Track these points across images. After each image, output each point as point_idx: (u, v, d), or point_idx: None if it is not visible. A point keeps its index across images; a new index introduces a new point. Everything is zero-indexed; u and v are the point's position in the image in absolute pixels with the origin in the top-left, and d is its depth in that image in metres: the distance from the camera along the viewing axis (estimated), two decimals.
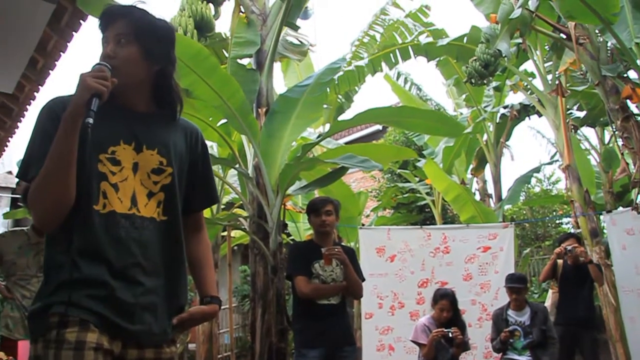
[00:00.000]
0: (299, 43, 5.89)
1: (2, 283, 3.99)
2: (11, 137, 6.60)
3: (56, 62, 4.83)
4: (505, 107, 8.65)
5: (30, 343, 1.53)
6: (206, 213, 7.23)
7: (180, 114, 1.74)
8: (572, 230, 7.64)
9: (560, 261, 5.46)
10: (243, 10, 5.45)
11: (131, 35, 1.59)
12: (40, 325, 1.48)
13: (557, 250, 5.37)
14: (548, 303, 5.72)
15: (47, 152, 1.45)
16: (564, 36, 5.87)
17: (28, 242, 3.84)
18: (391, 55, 7.84)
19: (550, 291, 6.01)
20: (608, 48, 5.92)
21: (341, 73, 7.90)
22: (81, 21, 4.39)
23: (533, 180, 11.92)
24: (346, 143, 11.16)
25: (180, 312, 1.70)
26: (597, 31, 5.78)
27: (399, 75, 10.18)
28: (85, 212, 1.51)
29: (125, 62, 1.57)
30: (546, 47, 7.00)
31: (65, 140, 1.43)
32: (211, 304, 1.77)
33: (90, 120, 1.42)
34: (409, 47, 7.66)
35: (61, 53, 4.69)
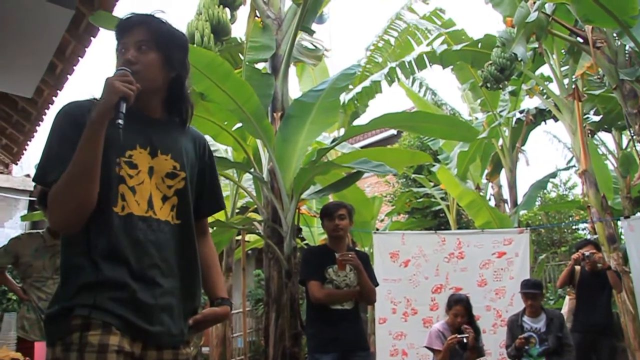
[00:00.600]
0: (314, 47, 5.91)
1: (18, 285, 4.03)
2: (30, 140, 6.69)
3: (74, 67, 4.88)
4: (521, 112, 8.60)
5: (48, 346, 1.53)
6: (221, 217, 7.27)
7: (190, 122, 1.77)
8: (589, 236, 7.58)
9: (577, 267, 5.40)
10: (259, 14, 5.48)
11: (152, 42, 1.62)
12: (60, 328, 1.48)
13: (575, 256, 5.31)
14: (565, 309, 5.66)
15: (67, 155, 1.47)
16: (581, 40, 5.83)
17: (44, 245, 3.86)
18: (406, 64, 7.83)
19: (567, 297, 5.95)
20: (626, 51, 5.86)
21: (359, 89, 7.93)
22: (99, 27, 4.45)
23: (549, 186, 11.82)
24: (361, 147, 11.16)
25: (195, 314, 1.72)
26: (614, 34, 5.73)
27: (414, 80, 10.15)
28: (105, 214, 1.52)
29: (146, 67, 1.61)
30: (563, 51, 6.95)
31: (93, 142, 1.46)
32: (222, 305, 1.80)
33: (121, 122, 1.46)
34: (424, 56, 7.64)
35: (79, 58, 4.75)
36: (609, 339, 5.24)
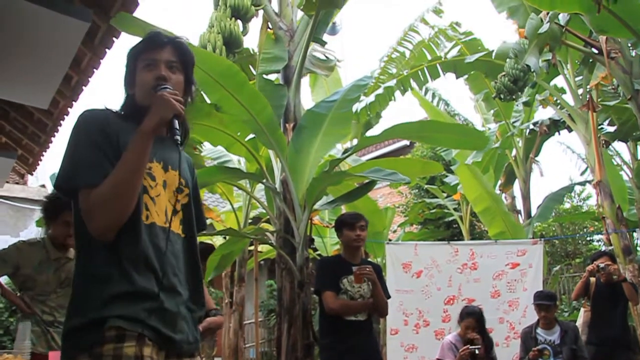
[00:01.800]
0: (326, 58, 5.93)
1: (19, 300, 3.86)
2: (45, 151, 6.76)
3: (89, 79, 4.94)
4: (534, 123, 8.55)
5: (68, 358, 1.52)
6: (233, 226, 7.30)
7: (185, 144, 1.81)
8: (604, 248, 7.48)
9: (592, 279, 5.34)
10: (271, 26, 5.52)
11: (180, 64, 1.73)
12: (86, 339, 1.47)
13: (590, 267, 5.24)
14: (580, 322, 5.58)
15: (99, 161, 1.53)
16: (596, 50, 5.80)
17: (47, 258, 3.71)
18: (420, 73, 7.82)
19: (582, 310, 5.87)
20: None
21: (372, 98, 7.93)
22: (114, 39, 4.50)
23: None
24: (373, 158, 11.15)
25: (200, 322, 1.80)
26: (629, 45, 5.69)
27: (426, 90, 10.14)
28: (134, 222, 1.55)
29: (175, 87, 1.68)
30: (577, 61, 6.92)
31: (143, 152, 1.53)
32: (217, 315, 1.98)
33: (179, 138, 1.61)
34: (437, 65, 7.63)
35: (94, 70, 4.81)
36: (625, 351, 5.17)
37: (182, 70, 1.73)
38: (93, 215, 1.51)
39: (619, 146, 9.14)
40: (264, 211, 6.53)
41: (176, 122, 1.61)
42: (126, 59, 1.74)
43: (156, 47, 1.70)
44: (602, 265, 5.12)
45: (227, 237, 6.19)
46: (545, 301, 4.82)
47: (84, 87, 5.10)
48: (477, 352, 4.34)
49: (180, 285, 1.64)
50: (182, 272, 1.66)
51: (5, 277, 3.90)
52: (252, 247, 7.66)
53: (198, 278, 1.74)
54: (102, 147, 1.55)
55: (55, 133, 6.16)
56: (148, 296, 1.52)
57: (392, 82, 7.94)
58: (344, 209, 6.61)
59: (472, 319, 4.54)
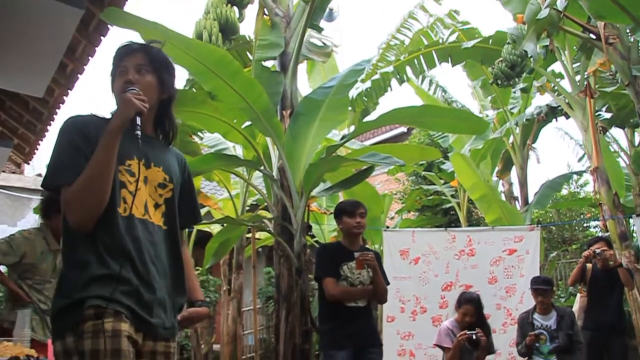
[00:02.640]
0: (323, 45, 5.90)
1: (18, 289, 3.90)
2: (41, 140, 6.73)
3: (85, 67, 4.91)
4: (533, 110, 8.53)
5: (55, 340, 1.65)
6: (231, 214, 7.30)
7: (175, 139, 1.99)
8: (600, 234, 7.51)
9: (589, 265, 5.36)
10: (267, 12, 5.47)
11: (149, 66, 1.86)
12: (70, 319, 1.63)
13: (586, 253, 5.27)
14: (576, 307, 5.62)
15: (78, 163, 1.67)
16: (594, 36, 5.77)
17: (48, 248, 3.86)
18: (416, 61, 7.77)
19: (578, 295, 5.90)
20: (639, 48, 5.80)
21: (368, 84, 7.88)
22: (109, 26, 4.46)
23: None
24: (371, 145, 11.13)
25: (181, 310, 1.94)
26: (627, 30, 5.67)
27: (423, 77, 10.09)
28: (110, 214, 1.70)
29: (145, 88, 1.81)
30: (575, 47, 6.89)
31: (110, 148, 1.67)
32: (202, 306, 2.07)
33: (139, 133, 1.71)
34: (433, 53, 7.58)
35: (90, 58, 4.77)
36: (621, 337, 5.21)
37: (153, 72, 1.86)
38: (69, 209, 1.67)
39: (617, 133, 9.16)
40: (262, 198, 6.52)
41: (138, 118, 1.72)
42: (109, 70, 1.90)
43: (128, 54, 1.85)
44: (598, 251, 5.15)
45: (225, 225, 6.19)
46: (542, 286, 4.84)
47: (79, 75, 5.06)
48: (474, 337, 4.37)
49: (158, 273, 1.77)
50: (161, 261, 1.80)
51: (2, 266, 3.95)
52: (249, 235, 7.66)
53: (179, 267, 1.89)
54: (81, 148, 1.70)
55: (51, 122, 6.12)
56: (124, 280, 1.67)
57: (389, 69, 7.89)
58: (341, 196, 6.62)
59: (471, 305, 4.56)
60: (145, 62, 1.85)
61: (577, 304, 5.68)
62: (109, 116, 1.82)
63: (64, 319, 1.65)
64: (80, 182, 1.64)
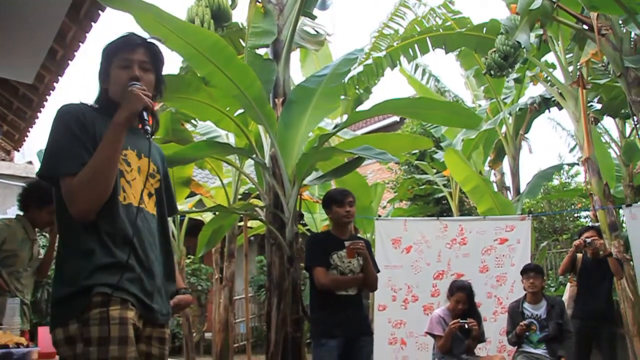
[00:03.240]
0: (316, 33, 5.86)
1: None
2: (31, 127, 6.68)
3: (75, 53, 4.86)
4: (525, 100, 8.54)
5: (56, 327, 1.67)
6: (223, 202, 7.28)
7: (156, 132, 2.00)
8: (591, 224, 7.55)
9: (579, 255, 5.40)
10: (260, 0, 5.43)
11: (150, 64, 1.91)
12: (74, 306, 1.65)
13: (576, 242, 5.30)
14: (566, 296, 5.66)
15: (78, 151, 1.70)
16: (586, 27, 5.77)
17: (27, 237, 3.87)
18: (409, 49, 7.75)
19: (568, 285, 5.95)
20: (632, 39, 5.81)
21: (361, 69, 7.84)
22: (100, 12, 4.41)
23: None
24: (363, 134, 11.11)
25: (172, 298, 1.99)
26: (620, 21, 5.67)
27: (417, 66, 10.08)
28: (111, 203, 1.73)
29: (147, 85, 1.86)
30: (568, 38, 6.89)
31: (117, 141, 1.72)
32: (186, 294, 2.18)
33: (148, 128, 1.78)
34: (427, 39, 7.56)
35: (80, 44, 4.72)
36: (610, 325, 5.26)
37: (154, 70, 1.92)
38: (75, 200, 1.69)
39: (608, 124, 9.20)
40: (254, 187, 6.50)
41: (145, 113, 1.77)
42: (101, 55, 1.91)
43: (131, 48, 1.87)
44: (588, 240, 5.19)
45: (217, 213, 6.18)
46: (532, 271, 4.90)
47: (69, 62, 5.01)
48: (467, 326, 4.40)
49: (156, 260, 1.83)
50: (157, 248, 1.86)
51: None
52: (241, 223, 7.65)
53: (169, 255, 1.94)
54: (79, 137, 1.73)
55: (42, 109, 6.07)
56: (129, 268, 1.71)
57: (382, 54, 7.85)
58: (333, 184, 6.61)
59: (463, 293, 4.59)
60: (148, 59, 1.90)
61: (567, 293, 5.73)
62: (94, 104, 1.88)
63: (67, 306, 1.66)
64: (87, 173, 1.67)
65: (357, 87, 8.16)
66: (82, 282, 1.65)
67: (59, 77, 5.29)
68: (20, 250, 3.83)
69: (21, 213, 3.98)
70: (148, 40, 1.94)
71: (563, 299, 5.53)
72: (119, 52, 1.87)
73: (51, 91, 5.56)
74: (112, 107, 1.80)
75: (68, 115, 1.77)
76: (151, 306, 1.76)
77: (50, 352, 2.68)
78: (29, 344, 3.19)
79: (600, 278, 5.27)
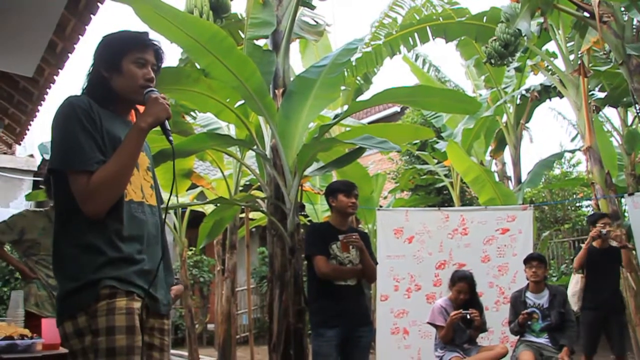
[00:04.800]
0: (315, 23, 5.83)
1: (22, 265, 4.02)
2: (32, 120, 6.67)
3: (75, 46, 4.84)
4: (526, 90, 8.51)
5: (65, 320, 1.71)
6: (224, 194, 7.28)
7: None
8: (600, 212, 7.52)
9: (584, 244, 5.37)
10: None
11: (156, 67, 1.96)
12: (83, 299, 1.69)
13: (593, 233, 5.22)
14: (577, 288, 5.50)
15: (91, 147, 1.73)
16: (588, 14, 5.74)
17: (51, 224, 3.90)
18: (409, 37, 7.71)
19: (578, 276, 5.79)
20: (634, 26, 5.77)
21: (359, 55, 7.80)
22: (99, 4, 4.39)
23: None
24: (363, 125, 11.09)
25: (170, 287, 2.05)
26: (622, 8, 5.64)
27: (417, 56, 10.05)
28: (117, 201, 1.77)
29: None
30: (569, 26, 6.86)
31: (138, 146, 1.78)
32: (178, 284, 2.35)
33: (172, 139, 1.85)
34: (427, 28, 7.52)
35: (80, 36, 4.71)
36: (619, 315, 5.24)
37: (157, 72, 1.98)
38: (92, 199, 1.71)
39: (610, 112, 9.16)
40: (255, 178, 6.50)
41: (167, 123, 1.84)
42: (110, 43, 1.91)
43: (146, 47, 1.91)
44: (604, 231, 5.13)
45: (218, 205, 6.18)
46: (535, 260, 4.89)
47: (69, 55, 5.00)
48: (469, 316, 4.41)
49: (159, 252, 1.88)
50: (158, 240, 1.91)
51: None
52: (243, 215, 7.65)
53: (166, 247, 1.97)
54: (92, 133, 1.75)
55: (42, 102, 6.06)
56: (134, 261, 1.77)
57: (381, 42, 7.82)
58: (335, 176, 6.61)
59: (465, 283, 4.60)
60: (156, 62, 1.96)
61: (578, 284, 5.55)
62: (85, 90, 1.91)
63: (75, 300, 1.70)
64: (109, 175, 1.71)
65: (355, 75, 8.12)
66: (90, 276, 1.69)
67: (59, 70, 5.28)
68: (43, 238, 3.91)
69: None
70: (157, 42, 1.98)
71: (573, 290, 5.41)
72: (132, 48, 1.89)
73: (51, 84, 5.55)
74: (113, 100, 1.86)
75: (79, 110, 1.77)
76: (156, 296, 1.83)
77: (54, 344, 2.68)
78: (34, 335, 3.20)
79: (609, 268, 5.24)
